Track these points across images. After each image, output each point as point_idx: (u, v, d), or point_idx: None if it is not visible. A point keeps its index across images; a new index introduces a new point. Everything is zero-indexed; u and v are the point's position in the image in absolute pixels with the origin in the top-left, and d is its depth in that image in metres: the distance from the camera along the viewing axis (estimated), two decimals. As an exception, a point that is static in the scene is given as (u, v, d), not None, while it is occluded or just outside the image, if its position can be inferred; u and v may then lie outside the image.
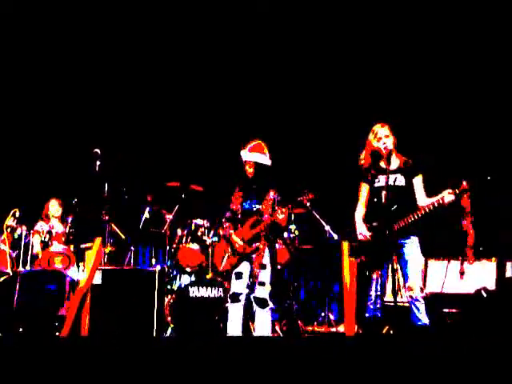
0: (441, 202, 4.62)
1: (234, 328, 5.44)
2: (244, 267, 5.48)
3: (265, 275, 5.38)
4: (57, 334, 5.65)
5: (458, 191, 4.53)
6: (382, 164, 4.94)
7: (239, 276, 5.46)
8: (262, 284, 5.36)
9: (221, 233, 5.71)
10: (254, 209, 5.47)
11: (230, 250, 5.49)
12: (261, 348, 3.40)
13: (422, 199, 4.84)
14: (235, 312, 5.45)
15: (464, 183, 4.52)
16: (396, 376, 3.02)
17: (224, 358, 3.21)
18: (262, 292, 5.37)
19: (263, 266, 5.37)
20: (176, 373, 3.07)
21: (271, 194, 5.44)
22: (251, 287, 5.50)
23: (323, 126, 8.16)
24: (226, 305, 5.54)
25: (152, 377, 3.06)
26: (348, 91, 8.01)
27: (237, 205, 5.57)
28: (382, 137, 4.91)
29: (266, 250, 5.43)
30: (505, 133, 7.14)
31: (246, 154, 5.50)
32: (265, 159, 5.47)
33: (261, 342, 4.07)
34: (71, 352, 3.31)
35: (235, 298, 5.45)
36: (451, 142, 7.34)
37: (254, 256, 5.41)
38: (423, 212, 4.69)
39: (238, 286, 5.46)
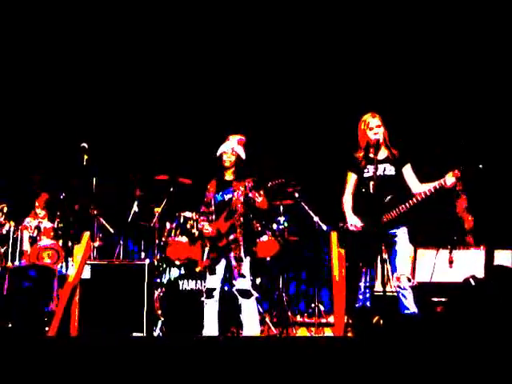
0: (442, 183, 4.64)
1: (210, 324, 5.45)
2: (219, 262, 5.49)
3: (244, 267, 5.37)
4: (46, 328, 5.62)
5: (459, 174, 4.58)
6: (372, 154, 4.94)
7: (213, 271, 5.47)
8: (243, 276, 5.36)
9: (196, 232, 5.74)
10: (226, 199, 5.47)
11: (209, 244, 5.49)
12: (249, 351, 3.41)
13: (417, 186, 4.84)
14: (210, 308, 5.48)
15: (459, 169, 4.58)
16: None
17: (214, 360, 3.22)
18: (244, 284, 5.37)
19: (241, 259, 5.37)
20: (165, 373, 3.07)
21: (244, 183, 5.44)
22: (230, 280, 5.50)
23: (311, 117, 8.13)
24: (202, 299, 5.55)
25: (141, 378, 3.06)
26: (333, 80, 8.00)
27: (209, 197, 5.59)
28: (373, 127, 4.92)
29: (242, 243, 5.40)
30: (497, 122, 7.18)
31: (234, 144, 5.51)
32: (243, 155, 5.55)
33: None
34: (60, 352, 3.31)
35: (209, 293, 5.47)
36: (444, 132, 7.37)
37: (232, 246, 5.41)
38: (423, 196, 4.70)
39: (212, 281, 5.48)
